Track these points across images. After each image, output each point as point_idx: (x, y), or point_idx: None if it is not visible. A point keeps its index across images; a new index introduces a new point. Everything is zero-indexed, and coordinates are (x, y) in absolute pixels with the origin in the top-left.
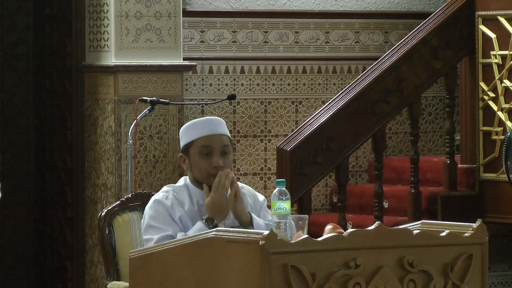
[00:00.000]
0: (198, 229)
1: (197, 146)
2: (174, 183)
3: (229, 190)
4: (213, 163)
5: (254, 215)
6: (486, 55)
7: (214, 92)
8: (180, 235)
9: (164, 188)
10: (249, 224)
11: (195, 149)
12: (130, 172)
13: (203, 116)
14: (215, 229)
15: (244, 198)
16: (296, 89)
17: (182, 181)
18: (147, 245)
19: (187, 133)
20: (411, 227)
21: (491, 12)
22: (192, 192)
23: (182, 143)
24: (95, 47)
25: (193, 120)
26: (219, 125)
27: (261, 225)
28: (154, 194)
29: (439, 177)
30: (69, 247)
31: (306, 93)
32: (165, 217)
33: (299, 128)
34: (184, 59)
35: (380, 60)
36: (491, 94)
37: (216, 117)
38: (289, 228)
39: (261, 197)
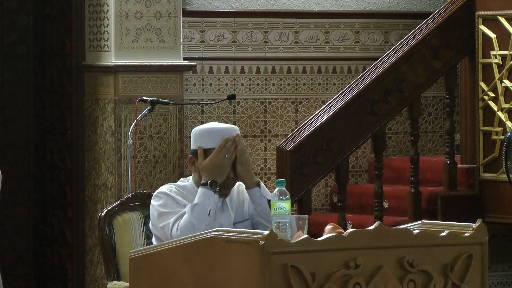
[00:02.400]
0: (201, 194)
1: None
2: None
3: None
4: None
5: (261, 183)
6: (486, 55)
7: (214, 92)
8: (188, 208)
9: (166, 184)
10: (256, 185)
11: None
12: (130, 172)
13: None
14: (215, 229)
15: (243, 193)
16: (296, 89)
17: (184, 181)
18: (165, 231)
19: (201, 139)
20: (411, 227)
21: (491, 12)
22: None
23: (194, 146)
24: (95, 47)
25: (209, 126)
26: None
27: (268, 193)
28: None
29: (439, 177)
30: (69, 247)
31: (306, 93)
32: (173, 203)
33: (299, 128)
34: (184, 59)
35: (380, 60)
36: (491, 94)
37: (231, 125)
38: (289, 228)
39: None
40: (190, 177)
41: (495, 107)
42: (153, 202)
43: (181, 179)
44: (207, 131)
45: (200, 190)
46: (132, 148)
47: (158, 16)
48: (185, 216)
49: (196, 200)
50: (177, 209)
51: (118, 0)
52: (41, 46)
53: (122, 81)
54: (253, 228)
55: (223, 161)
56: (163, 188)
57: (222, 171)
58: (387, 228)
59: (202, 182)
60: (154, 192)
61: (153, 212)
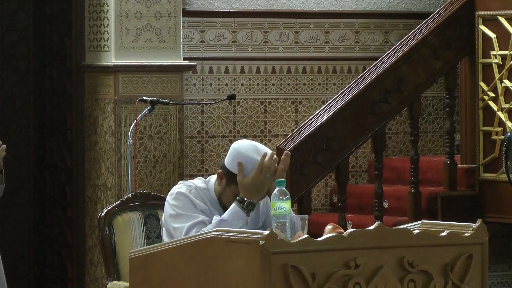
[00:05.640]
0: (233, 212)
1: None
2: (173, 184)
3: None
4: None
5: None
6: (486, 55)
7: (214, 92)
8: (215, 219)
9: (186, 182)
10: None
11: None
12: (130, 172)
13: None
14: (215, 229)
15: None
16: (296, 89)
17: (203, 183)
18: (176, 234)
19: (239, 160)
20: (411, 227)
21: (491, 12)
22: (215, 206)
23: (228, 162)
24: (95, 47)
25: (250, 154)
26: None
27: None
28: (154, 194)
29: (439, 177)
30: (69, 247)
31: (306, 93)
32: (191, 206)
33: (299, 128)
34: (184, 59)
35: (380, 60)
36: (491, 94)
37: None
38: (289, 228)
39: None
40: (212, 180)
41: (495, 107)
42: (171, 200)
43: (200, 179)
44: (249, 155)
45: (234, 207)
46: (132, 148)
47: (158, 16)
48: (209, 226)
49: (225, 216)
50: (194, 214)
51: (118, 0)
52: (41, 46)
53: (122, 81)
54: None
55: (264, 181)
56: (183, 188)
57: (261, 192)
58: (387, 228)
59: (238, 198)
60: (154, 192)
61: (168, 209)
